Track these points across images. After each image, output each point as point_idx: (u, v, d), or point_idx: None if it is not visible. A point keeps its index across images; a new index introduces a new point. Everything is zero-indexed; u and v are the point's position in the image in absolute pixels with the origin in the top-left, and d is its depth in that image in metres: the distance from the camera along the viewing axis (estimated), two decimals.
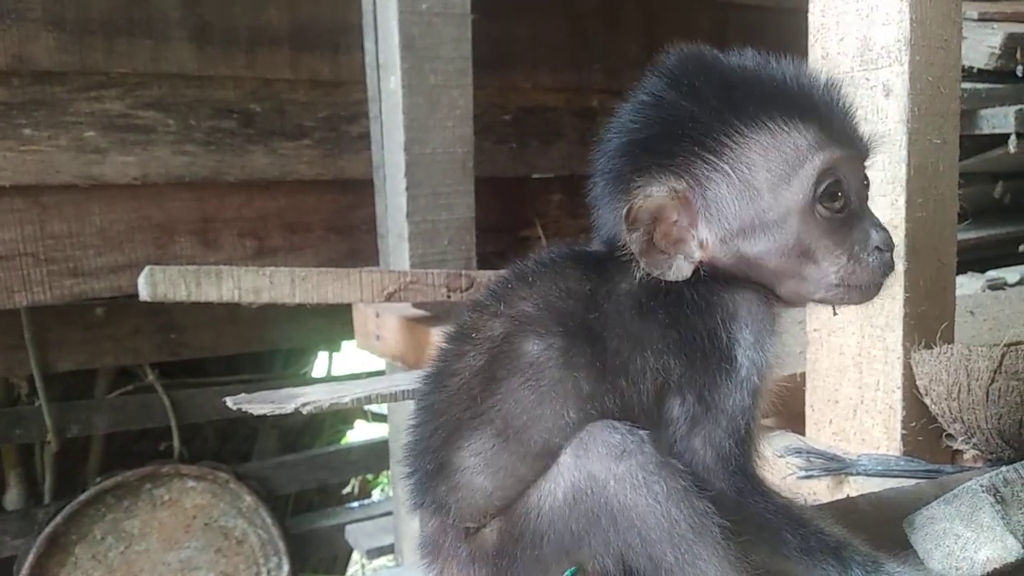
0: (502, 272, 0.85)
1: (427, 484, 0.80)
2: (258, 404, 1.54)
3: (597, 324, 0.77)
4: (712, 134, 0.75)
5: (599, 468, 0.72)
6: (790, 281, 0.79)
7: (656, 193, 0.75)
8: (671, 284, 0.76)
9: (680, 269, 0.77)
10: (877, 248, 0.78)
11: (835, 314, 1.23)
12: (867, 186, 0.80)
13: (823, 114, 0.77)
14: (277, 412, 1.52)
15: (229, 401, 1.56)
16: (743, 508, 0.75)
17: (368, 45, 2.54)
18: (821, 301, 0.81)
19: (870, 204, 1.20)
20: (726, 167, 0.75)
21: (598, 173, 0.81)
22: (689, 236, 0.77)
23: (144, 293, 1.76)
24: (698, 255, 0.77)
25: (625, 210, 0.75)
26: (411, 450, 0.82)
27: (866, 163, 0.81)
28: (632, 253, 0.76)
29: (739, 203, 0.76)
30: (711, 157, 0.75)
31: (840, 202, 0.77)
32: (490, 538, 0.78)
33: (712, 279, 0.78)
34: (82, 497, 2.72)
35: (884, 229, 0.79)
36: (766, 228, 0.76)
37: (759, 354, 0.77)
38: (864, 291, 0.79)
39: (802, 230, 0.76)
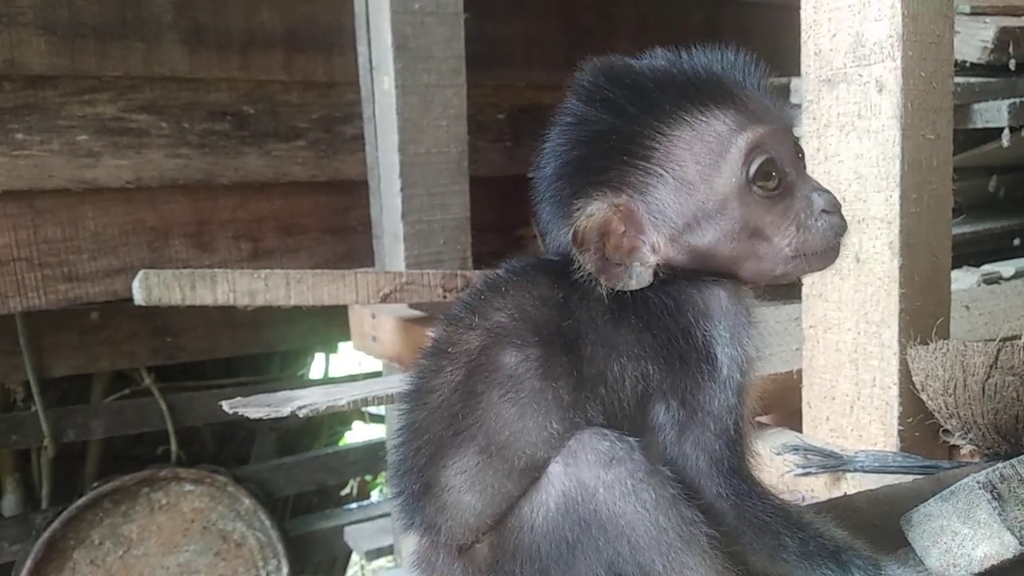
0: (474, 283, 0.85)
1: (415, 505, 0.79)
2: (254, 408, 1.54)
3: (571, 332, 0.76)
4: (636, 141, 0.75)
5: (588, 475, 0.71)
6: (748, 263, 0.79)
7: (597, 211, 0.75)
8: (638, 290, 0.76)
9: (640, 276, 0.76)
10: (824, 211, 0.78)
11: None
12: (801, 156, 0.80)
13: (737, 95, 0.77)
14: (273, 416, 1.52)
15: (225, 405, 1.56)
16: (741, 511, 0.75)
17: (361, 46, 2.54)
18: (784, 275, 0.81)
19: (864, 201, 1.21)
20: (657, 169, 0.75)
21: (541, 201, 0.81)
22: (640, 243, 0.77)
23: (139, 297, 1.76)
24: (653, 259, 0.77)
25: (570, 235, 0.75)
26: (396, 470, 0.81)
27: (794, 131, 0.81)
28: (589, 273, 0.76)
29: (678, 200, 0.76)
30: (641, 163, 0.75)
31: (774, 177, 0.76)
32: (483, 554, 0.77)
33: (677, 279, 0.78)
34: (80, 502, 2.71)
35: (827, 191, 0.79)
36: (709, 218, 0.76)
37: (738, 349, 0.76)
38: (822, 256, 0.79)
39: (744, 212, 0.76)
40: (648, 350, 0.76)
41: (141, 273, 1.76)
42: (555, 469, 0.73)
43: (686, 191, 0.76)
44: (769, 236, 0.77)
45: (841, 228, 0.78)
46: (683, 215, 0.76)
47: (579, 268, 0.76)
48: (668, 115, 0.75)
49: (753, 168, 0.76)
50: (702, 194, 0.76)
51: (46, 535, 2.65)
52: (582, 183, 0.76)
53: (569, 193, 0.77)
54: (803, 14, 1.29)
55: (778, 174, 0.77)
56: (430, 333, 0.84)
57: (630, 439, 0.72)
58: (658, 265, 0.77)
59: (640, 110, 0.76)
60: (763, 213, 0.77)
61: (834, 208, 0.78)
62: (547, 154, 0.80)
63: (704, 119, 0.76)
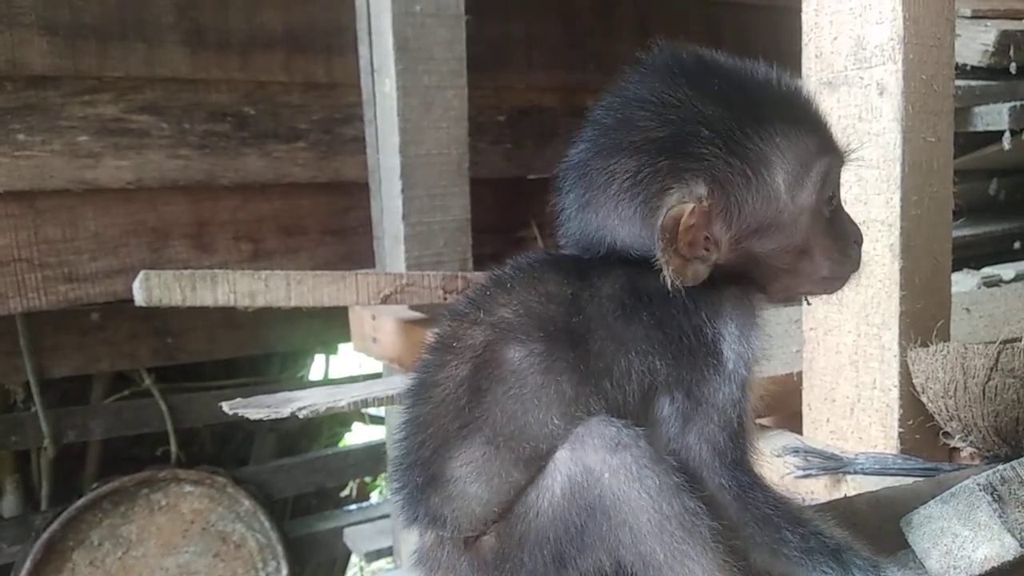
0: (480, 279, 0.85)
1: (419, 497, 0.79)
2: (254, 409, 1.54)
3: (580, 327, 0.76)
4: (736, 137, 0.75)
5: (594, 460, 0.72)
6: (785, 277, 0.82)
7: (688, 198, 0.74)
8: (655, 286, 0.76)
9: (698, 273, 0.76)
10: (855, 242, 0.84)
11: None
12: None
13: (817, 120, 0.81)
14: (273, 416, 1.52)
15: (225, 406, 1.56)
16: (743, 503, 0.75)
17: (362, 48, 2.54)
18: (803, 294, 0.87)
19: (865, 204, 1.22)
20: (748, 170, 0.76)
21: (592, 174, 0.79)
22: (702, 238, 0.76)
23: (139, 298, 1.76)
24: (713, 257, 0.77)
25: (661, 219, 0.73)
26: (399, 464, 0.81)
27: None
28: (663, 263, 0.74)
29: (758, 204, 0.77)
30: (735, 161, 0.75)
31: (833, 203, 0.81)
32: (489, 544, 0.77)
33: None
34: (79, 503, 2.71)
35: (856, 224, 0.85)
36: (780, 228, 0.78)
37: (744, 346, 0.77)
38: (841, 282, 0.85)
39: (810, 229, 0.79)
40: (657, 346, 0.76)
41: (142, 274, 1.75)
42: (562, 455, 0.74)
43: (768, 197, 0.77)
44: (815, 256, 0.81)
45: (860, 261, 0.84)
46: (758, 219, 0.77)
47: (644, 257, 0.75)
48: (769, 120, 0.77)
49: (827, 191, 0.79)
50: (782, 203, 0.78)
51: (45, 536, 2.65)
52: (670, 168, 0.75)
53: (650, 174, 0.75)
54: (804, 17, 1.29)
55: (835, 201, 0.81)
56: (434, 329, 0.84)
57: (636, 427, 0.73)
58: (714, 264, 0.77)
59: (746, 108, 0.77)
60: (820, 234, 0.80)
61: (861, 241, 0.84)
62: (618, 126, 0.78)
63: (797, 133, 0.78)
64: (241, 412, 1.55)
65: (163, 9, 2.50)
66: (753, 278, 0.81)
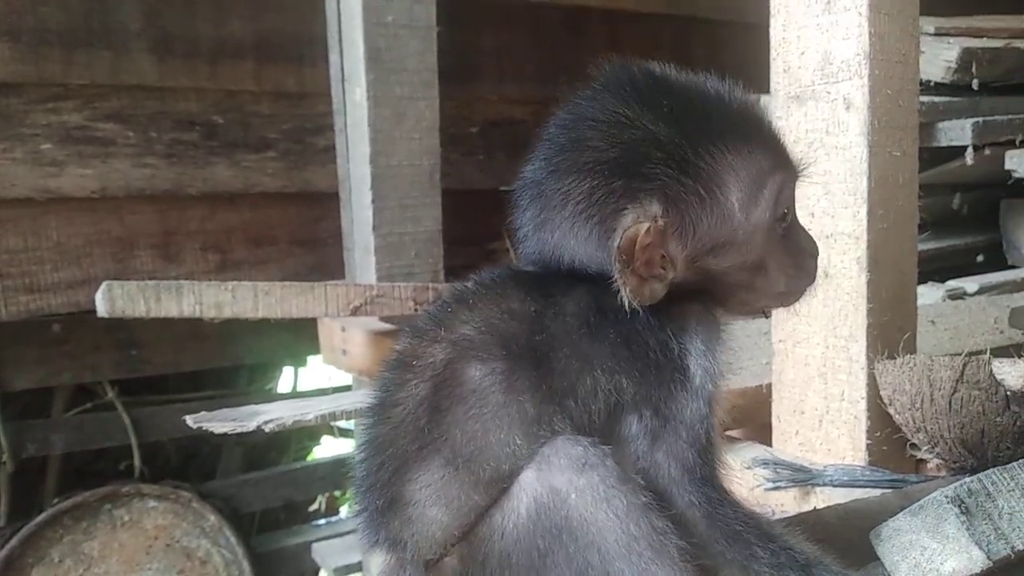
0: (441, 295, 0.84)
1: (379, 521, 0.78)
2: (219, 422, 1.51)
3: (543, 346, 0.75)
4: (688, 156, 0.75)
5: (561, 480, 0.71)
6: (742, 292, 0.82)
7: (643, 218, 0.74)
8: (619, 303, 0.75)
9: (655, 292, 0.76)
10: (810, 256, 0.85)
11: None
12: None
13: (769, 136, 0.81)
14: (239, 430, 1.49)
15: (189, 419, 1.53)
16: (713, 520, 0.75)
17: (333, 57, 2.53)
18: (760, 307, 0.88)
19: (832, 217, 1.23)
20: (701, 189, 0.76)
21: (547, 194, 0.79)
22: (658, 257, 0.76)
23: (102, 309, 1.73)
24: (670, 276, 0.77)
25: (617, 240, 0.73)
26: (359, 487, 0.80)
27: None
28: (620, 283, 0.74)
29: (713, 223, 0.77)
30: (688, 180, 0.75)
31: (788, 219, 0.82)
32: (452, 566, 0.76)
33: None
34: (39, 519, 2.64)
35: (811, 237, 0.86)
36: (735, 245, 0.78)
37: (710, 361, 0.78)
38: (799, 296, 0.86)
39: (764, 246, 0.80)
40: (623, 364, 0.75)
41: (105, 284, 1.72)
42: (527, 476, 0.72)
43: (722, 216, 0.77)
44: (770, 271, 0.81)
45: (817, 274, 0.85)
46: (713, 238, 0.77)
47: (600, 277, 0.75)
48: (722, 139, 0.77)
49: (780, 208, 0.80)
50: (736, 222, 0.78)
51: (4, 553, 2.58)
52: (623, 188, 0.75)
53: (604, 195, 0.75)
54: (772, 32, 1.31)
55: (790, 216, 0.82)
56: (394, 346, 0.83)
57: (603, 446, 0.72)
58: (670, 282, 0.77)
59: (697, 127, 0.76)
60: (774, 250, 0.81)
61: (817, 254, 0.85)
62: (571, 146, 0.78)
63: (750, 151, 0.78)
64: (206, 426, 1.52)
65: (130, 16, 2.46)
66: (711, 294, 0.81)
